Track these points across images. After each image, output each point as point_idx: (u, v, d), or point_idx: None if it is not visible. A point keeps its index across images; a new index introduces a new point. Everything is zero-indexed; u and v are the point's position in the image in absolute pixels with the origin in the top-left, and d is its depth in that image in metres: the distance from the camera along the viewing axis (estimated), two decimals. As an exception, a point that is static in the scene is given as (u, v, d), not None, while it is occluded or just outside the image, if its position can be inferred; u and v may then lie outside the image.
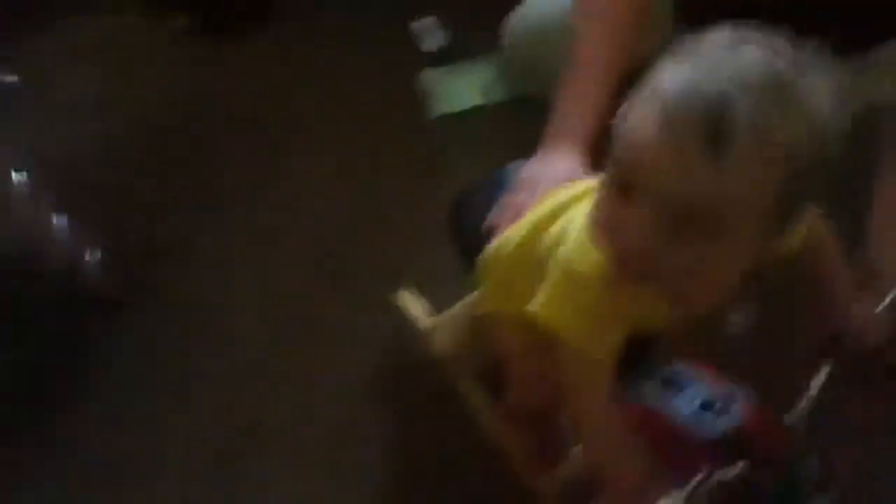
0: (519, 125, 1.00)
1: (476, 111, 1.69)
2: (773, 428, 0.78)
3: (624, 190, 0.64)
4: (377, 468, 1.25)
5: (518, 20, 1.47)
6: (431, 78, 1.77)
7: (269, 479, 1.25)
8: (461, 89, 1.73)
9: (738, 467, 0.70)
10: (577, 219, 0.75)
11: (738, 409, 0.76)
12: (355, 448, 1.27)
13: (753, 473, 0.71)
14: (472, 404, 1.21)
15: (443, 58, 1.80)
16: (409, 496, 1.24)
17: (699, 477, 0.69)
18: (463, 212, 1.04)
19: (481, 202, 0.96)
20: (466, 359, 1.24)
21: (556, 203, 0.83)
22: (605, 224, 0.67)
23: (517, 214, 0.90)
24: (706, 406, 0.77)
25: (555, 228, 0.80)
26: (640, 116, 0.62)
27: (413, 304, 1.34)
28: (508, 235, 0.89)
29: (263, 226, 1.58)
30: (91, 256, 1.43)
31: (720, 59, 0.60)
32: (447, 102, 1.72)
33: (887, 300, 0.82)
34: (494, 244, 0.90)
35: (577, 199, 0.81)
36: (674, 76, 0.61)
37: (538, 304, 0.74)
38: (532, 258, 0.82)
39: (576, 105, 0.99)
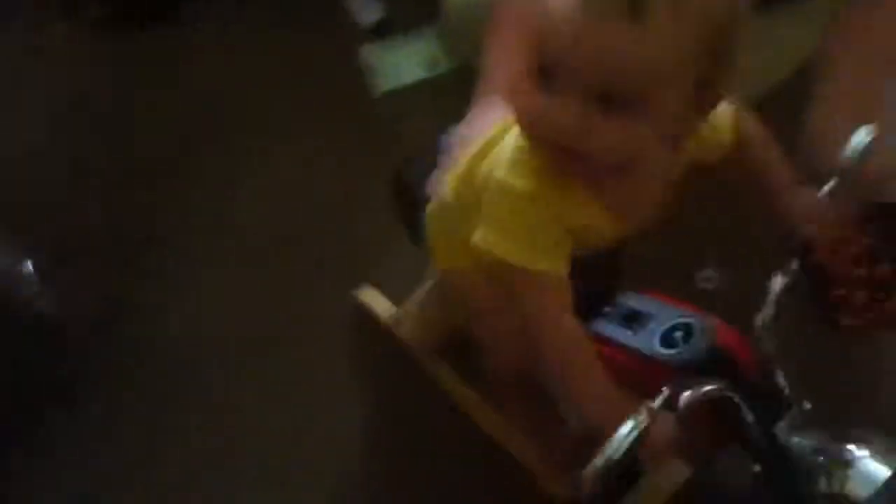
0: (468, 95, 0.98)
1: (422, 84, 1.69)
2: (746, 343, 0.77)
3: (546, 76, 0.65)
4: (372, 469, 1.27)
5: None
6: (372, 53, 1.75)
7: (264, 485, 1.26)
8: (404, 63, 1.71)
9: (715, 383, 0.68)
10: (506, 146, 0.75)
11: (710, 331, 0.74)
12: (348, 450, 1.28)
13: (733, 389, 0.70)
14: (452, 389, 1.23)
15: (381, 31, 1.78)
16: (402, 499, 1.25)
17: (667, 389, 0.65)
18: (405, 183, 1.03)
19: (422, 170, 0.95)
20: (437, 343, 1.26)
21: (484, 140, 0.83)
22: (532, 114, 0.68)
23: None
24: (674, 332, 0.76)
25: (486, 163, 0.80)
26: None
27: (375, 299, 1.35)
28: (444, 187, 0.88)
29: (231, 221, 1.57)
30: (26, 270, 1.42)
31: None
32: (392, 78, 1.71)
33: (827, 187, 0.81)
34: (434, 200, 0.90)
35: (503, 132, 0.80)
36: None
37: (478, 233, 0.73)
38: (468, 198, 0.81)
39: (503, 58, 0.97)
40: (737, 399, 0.71)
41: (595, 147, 0.65)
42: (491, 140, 0.82)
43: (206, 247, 1.53)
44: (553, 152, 0.68)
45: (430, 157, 0.94)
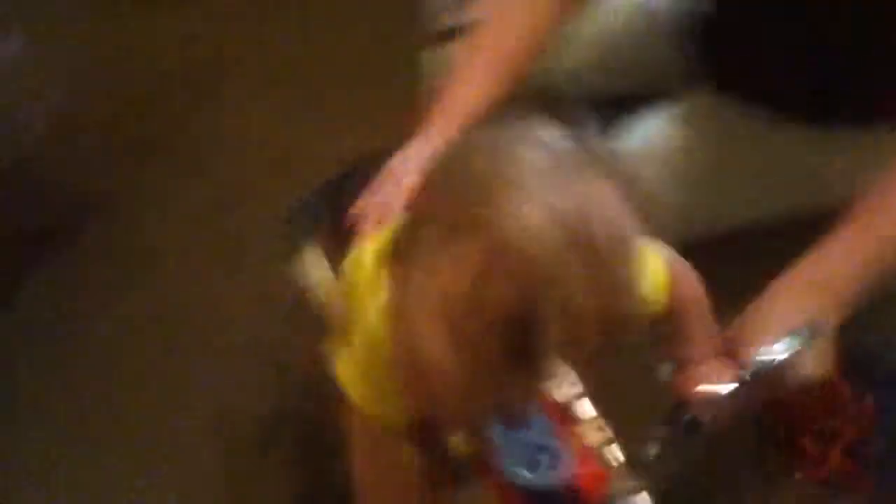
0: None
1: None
2: (601, 474, 0.74)
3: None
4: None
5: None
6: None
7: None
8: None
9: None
10: None
11: (568, 465, 0.72)
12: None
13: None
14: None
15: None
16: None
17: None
18: (339, 194, 0.91)
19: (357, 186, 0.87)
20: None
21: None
22: None
23: (380, 216, 0.79)
24: (541, 455, 0.74)
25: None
26: (426, 333, 0.49)
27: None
28: (362, 251, 0.75)
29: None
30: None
31: (509, 238, 0.48)
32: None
33: (732, 388, 0.75)
34: (351, 257, 0.76)
35: None
36: (460, 274, 0.49)
37: (340, 357, 0.68)
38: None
39: (465, 89, 0.93)
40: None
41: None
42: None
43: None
44: None
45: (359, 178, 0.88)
